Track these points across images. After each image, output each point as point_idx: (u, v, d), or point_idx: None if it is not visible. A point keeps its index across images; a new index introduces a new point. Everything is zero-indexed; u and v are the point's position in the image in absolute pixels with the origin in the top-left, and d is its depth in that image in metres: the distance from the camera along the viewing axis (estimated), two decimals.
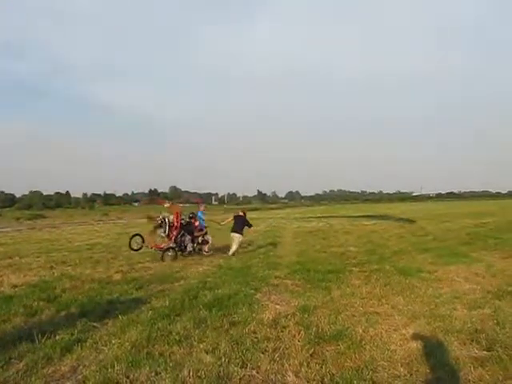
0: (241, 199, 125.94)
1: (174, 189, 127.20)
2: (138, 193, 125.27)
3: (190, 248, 9.09)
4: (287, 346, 3.60)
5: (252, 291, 5.76)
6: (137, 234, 8.55)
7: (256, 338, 3.83)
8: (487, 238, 11.82)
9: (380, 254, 9.21)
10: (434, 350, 3.37)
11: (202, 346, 3.61)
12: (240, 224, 9.59)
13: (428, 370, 3.01)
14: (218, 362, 3.22)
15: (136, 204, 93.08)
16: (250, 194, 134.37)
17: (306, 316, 4.46)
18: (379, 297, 5.28)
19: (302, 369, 3.12)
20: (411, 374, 2.99)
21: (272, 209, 62.45)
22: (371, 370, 3.05)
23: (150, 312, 4.75)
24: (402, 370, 3.06)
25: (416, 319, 4.30)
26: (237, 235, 9.36)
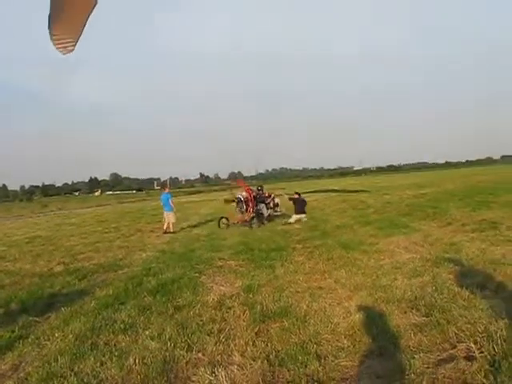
0: (183, 183, 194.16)
1: (115, 176, 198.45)
2: (79, 182, 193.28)
3: (266, 213, 17.31)
4: (233, 327, 5.50)
5: (196, 274, 8.76)
6: (222, 217, 16.35)
7: (201, 320, 5.84)
8: (425, 208, 18.02)
9: (322, 230, 14.14)
10: (375, 320, 5.24)
11: (147, 332, 5.51)
12: (302, 205, 17.78)
13: (370, 340, 4.71)
14: (164, 348, 4.95)
15: (77, 193, 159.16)
16: (193, 178, 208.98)
17: (251, 295, 6.85)
18: (322, 272, 8.11)
19: (248, 348, 4.80)
20: (354, 345, 4.63)
21: (215, 190, 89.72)
22: (315, 343, 4.73)
23: (94, 302, 7.12)
24: (345, 341, 4.74)
25: (358, 291, 6.62)
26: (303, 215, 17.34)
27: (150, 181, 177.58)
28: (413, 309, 5.54)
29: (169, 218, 17.22)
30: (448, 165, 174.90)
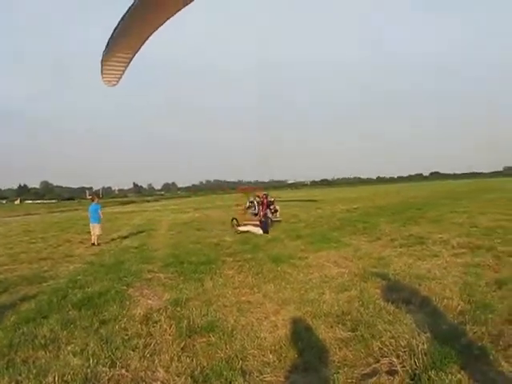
0: (116, 192, 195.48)
1: (46, 184, 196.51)
2: (6, 189, 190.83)
3: (271, 217, 19.61)
4: (158, 342, 5.56)
5: (124, 287, 8.74)
6: (234, 218, 19.41)
7: (127, 335, 5.86)
8: (356, 222, 18.93)
9: (254, 243, 14.55)
10: (302, 335, 5.38)
11: (69, 348, 5.46)
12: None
13: (296, 355, 4.82)
14: (86, 364, 4.90)
15: (4, 201, 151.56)
16: (126, 187, 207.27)
17: (178, 309, 6.94)
18: (251, 286, 8.35)
19: (173, 363, 4.86)
20: (280, 360, 4.73)
21: (148, 201, 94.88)
22: (241, 359, 4.84)
23: (14, 316, 6.96)
24: (271, 356, 4.85)
25: (286, 305, 6.85)
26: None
27: (82, 190, 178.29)
28: (339, 323, 5.73)
29: (95, 229, 16.98)
30: (380, 180, 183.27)
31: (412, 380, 3.99)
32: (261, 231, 17.35)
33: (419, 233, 14.11)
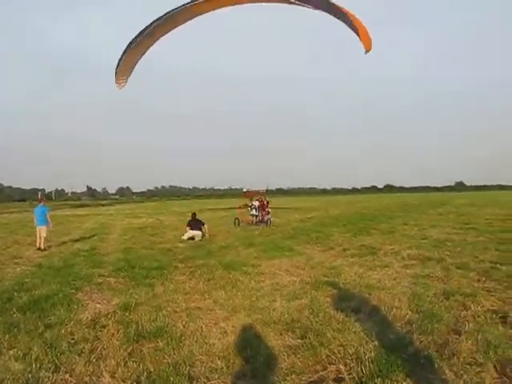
0: (69, 195, 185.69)
1: None
2: None
3: (267, 220, 24.36)
4: (105, 347, 5.53)
5: (72, 291, 8.66)
6: (236, 218, 24.47)
7: (73, 339, 5.79)
8: (310, 232, 19.41)
9: (207, 250, 14.81)
10: (251, 342, 5.42)
11: (11, 352, 5.33)
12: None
13: (244, 362, 4.85)
14: (28, 369, 4.79)
15: None
16: (79, 190, 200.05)
17: (127, 314, 6.94)
18: (202, 292, 8.46)
19: (119, 369, 4.82)
20: (228, 367, 4.74)
21: (102, 205, 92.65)
22: (189, 365, 4.87)
23: None
24: (219, 363, 4.86)
25: (236, 312, 6.93)
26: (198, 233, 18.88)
27: (35, 191, 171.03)
28: (289, 331, 5.79)
29: (41, 232, 16.22)
30: (335, 191, 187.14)
31: None
32: (200, 237, 18.08)
33: (371, 243, 14.51)
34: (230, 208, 44.55)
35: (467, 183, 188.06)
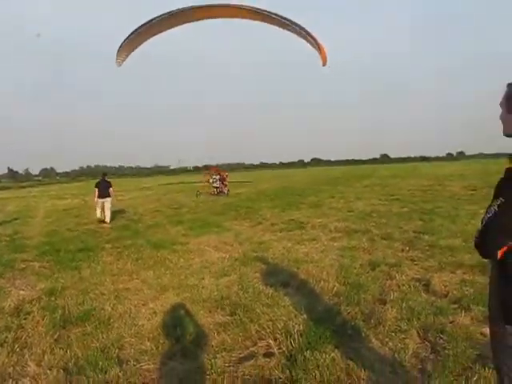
0: None
1: None
2: None
3: (226, 191, 30.31)
4: (30, 335, 5.37)
5: None
6: (198, 191, 30.09)
7: None
8: (239, 207, 19.71)
9: (134, 229, 14.81)
10: (181, 321, 5.46)
11: None
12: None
13: (174, 341, 4.86)
14: None
15: None
16: (0, 172, 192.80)
17: (53, 299, 6.79)
18: (130, 272, 8.44)
19: (45, 356, 4.68)
20: (158, 348, 4.74)
21: (24, 187, 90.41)
22: (118, 347, 4.83)
23: None
24: (149, 344, 4.84)
25: (165, 292, 6.94)
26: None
27: None
28: (218, 308, 5.85)
29: None
30: (263, 166, 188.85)
31: (288, 361, 4.15)
32: (109, 202, 17.54)
33: (299, 218, 14.83)
34: (180, 183, 51.09)
35: (392, 155, 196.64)
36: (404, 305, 5.44)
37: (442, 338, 4.46)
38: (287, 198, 23.00)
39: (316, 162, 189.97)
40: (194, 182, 50.77)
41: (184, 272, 8.08)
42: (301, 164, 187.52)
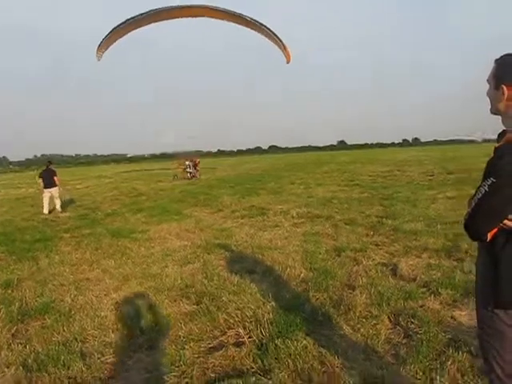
0: None
1: None
2: None
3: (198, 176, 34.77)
4: None
5: None
6: (175, 175, 34.63)
7: None
8: (198, 194, 19.63)
9: (92, 218, 14.49)
10: (145, 311, 5.33)
11: None
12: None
13: (139, 333, 4.71)
14: None
15: None
16: None
17: (9, 292, 6.54)
18: (90, 262, 8.23)
19: (2, 353, 4.49)
20: (122, 340, 4.58)
21: None
22: (81, 341, 4.65)
23: None
24: (113, 336, 4.69)
25: (127, 281, 6.80)
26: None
27: None
28: (183, 297, 5.73)
29: None
30: (221, 153, 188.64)
31: (259, 350, 4.05)
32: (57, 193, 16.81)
33: (260, 204, 14.80)
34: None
35: (349, 142, 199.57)
36: (373, 290, 5.42)
37: (413, 322, 4.45)
38: (246, 185, 22.97)
39: (274, 149, 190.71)
40: (152, 170, 52.35)
41: (146, 261, 7.90)
42: (259, 151, 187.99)
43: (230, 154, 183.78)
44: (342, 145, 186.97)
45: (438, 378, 3.42)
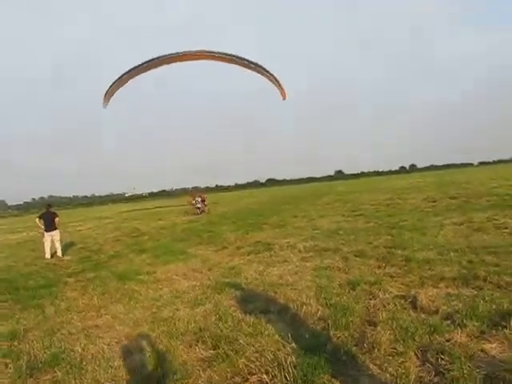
0: None
1: None
2: None
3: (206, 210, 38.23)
4: None
5: None
6: (185, 211, 38.63)
7: None
8: (201, 232, 19.51)
9: (96, 261, 14.33)
10: (160, 359, 5.09)
11: None
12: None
13: (156, 383, 4.49)
14: None
15: None
16: None
17: (16, 344, 6.32)
18: (98, 308, 7.97)
19: None
20: None
21: None
22: None
23: None
24: None
25: (138, 327, 6.58)
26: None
27: None
28: (198, 341, 5.52)
29: None
30: (219, 188, 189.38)
31: None
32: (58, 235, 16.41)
33: (265, 239, 14.62)
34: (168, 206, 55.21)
35: (346, 172, 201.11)
36: (395, 325, 5.27)
37: (443, 358, 4.29)
38: (249, 220, 22.83)
39: (272, 182, 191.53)
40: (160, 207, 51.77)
41: (155, 304, 7.70)
42: (257, 185, 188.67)
43: (229, 188, 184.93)
44: (339, 175, 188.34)
45: None
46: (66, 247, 17.65)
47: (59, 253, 15.97)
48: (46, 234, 16.00)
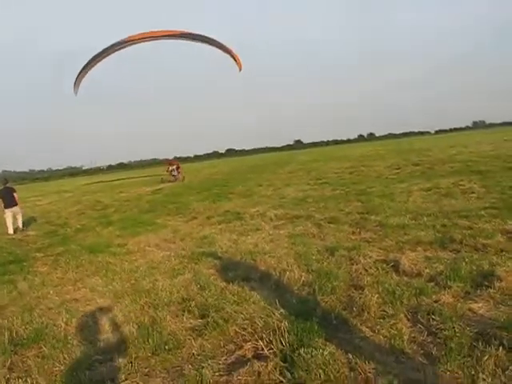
0: None
1: None
2: None
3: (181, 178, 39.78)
4: None
5: None
6: (162, 177, 40.76)
7: None
8: (166, 203, 19.30)
9: (63, 235, 14.06)
10: (149, 330, 4.95)
11: None
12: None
13: (149, 354, 4.41)
14: None
15: None
16: None
17: None
18: (74, 281, 7.86)
19: None
20: (132, 364, 4.23)
21: None
22: (86, 368, 4.27)
23: None
24: (121, 360, 4.32)
25: (120, 299, 6.42)
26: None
27: None
28: (184, 311, 5.46)
29: None
30: (178, 159, 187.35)
31: (284, 362, 3.85)
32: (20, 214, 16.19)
33: (233, 208, 14.65)
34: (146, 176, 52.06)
35: (305, 141, 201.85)
36: (381, 288, 5.35)
37: (433, 319, 4.38)
38: (214, 190, 22.78)
39: (231, 152, 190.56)
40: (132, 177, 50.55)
41: (133, 275, 7.57)
42: (216, 155, 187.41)
43: (188, 159, 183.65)
44: (298, 144, 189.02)
45: (480, 375, 3.34)
46: (28, 222, 17.23)
47: (20, 225, 15.54)
48: (6, 210, 15.41)
